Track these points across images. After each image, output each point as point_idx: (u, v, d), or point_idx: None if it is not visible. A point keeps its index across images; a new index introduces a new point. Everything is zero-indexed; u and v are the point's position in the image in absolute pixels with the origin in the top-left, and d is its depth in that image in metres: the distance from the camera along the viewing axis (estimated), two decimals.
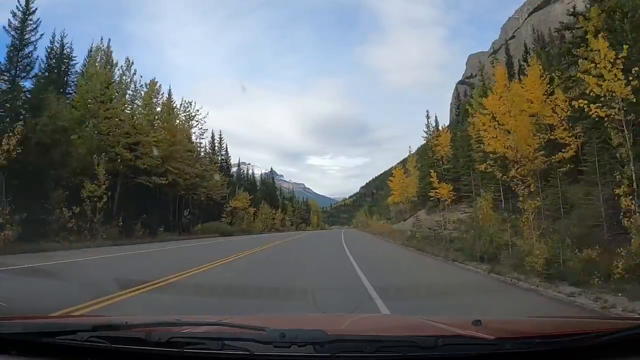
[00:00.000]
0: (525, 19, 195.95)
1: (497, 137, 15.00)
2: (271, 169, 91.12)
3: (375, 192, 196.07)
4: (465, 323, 1.67)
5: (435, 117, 55.66)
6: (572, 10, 19.11)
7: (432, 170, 34.67)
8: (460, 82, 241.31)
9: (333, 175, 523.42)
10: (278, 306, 5.89)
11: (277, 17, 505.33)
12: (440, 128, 51.53)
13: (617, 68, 8.93)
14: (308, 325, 1.83)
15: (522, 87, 18.15)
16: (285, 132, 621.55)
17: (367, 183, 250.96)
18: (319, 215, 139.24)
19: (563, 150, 15.99)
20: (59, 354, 1.50)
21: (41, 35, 22.85)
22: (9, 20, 21.66)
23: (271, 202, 72.00)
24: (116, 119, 26.21)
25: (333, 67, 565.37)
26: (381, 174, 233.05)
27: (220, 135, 59.54)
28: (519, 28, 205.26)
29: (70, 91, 29.03)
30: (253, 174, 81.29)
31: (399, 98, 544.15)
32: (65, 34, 30.81)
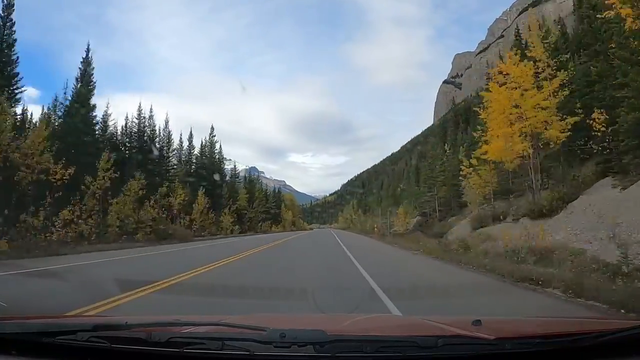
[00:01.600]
0: (515, 18, 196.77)
1: None
2: (211, 128, 51.01)
3: (366, 184, 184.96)
4: (465, 323, 1.65)
5: None
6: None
7: None
8: (446, 82, 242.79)
9: (314, 173, 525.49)
10: None
11: (260, 12, 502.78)
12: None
13: None
14: (308, 325, 1.82)
15: None
16: (266, 129, 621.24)
17: (349, 180, 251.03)
18: (294, 211, 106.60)
19: None
20: (59, 354, 1.48)
21: None
22: None
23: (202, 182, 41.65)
24: None
25: (317, 65, 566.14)
26: (363, 172, 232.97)
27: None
28: (508, 27, 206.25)
29: None
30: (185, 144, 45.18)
31: (381, 97, 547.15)
32: None
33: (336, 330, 1.50)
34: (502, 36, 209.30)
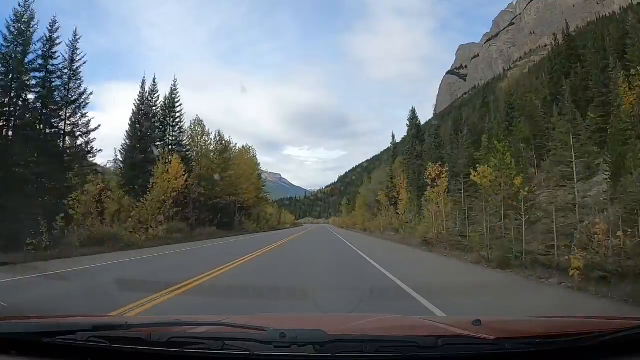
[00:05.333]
0: (526, 6, 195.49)
1: None
2: None
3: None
4: (465, 323, 1.69)
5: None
6: None
7: None
8: (450, 73, 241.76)
9: (310, 167, 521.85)
10: None
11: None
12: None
13: None
14: (308, 325, 1.85)
15: None
16: (262, 121, 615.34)
17: (346, 173, 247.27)
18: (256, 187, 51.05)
19: None
20: (59, 354, 1.51)
21: None
22: None
23: None
24: None
25: (315, 57, 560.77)
26: (359, 165, 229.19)
27: None
28: (519, 14, 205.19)
29: None
30: None
31: (380, 91, 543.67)
32: None
33: (336, 330, 1.53)
34: (512, 24, 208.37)
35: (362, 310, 5.09)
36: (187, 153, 34.23)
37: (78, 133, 21.00)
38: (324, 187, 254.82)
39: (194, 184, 29.77)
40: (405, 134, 50.74)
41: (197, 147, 36.44)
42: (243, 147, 50.72)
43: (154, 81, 33.00)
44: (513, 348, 1.38)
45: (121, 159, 31.22)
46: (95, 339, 1.48)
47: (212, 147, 38.17)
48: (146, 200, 23.72)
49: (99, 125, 21.46)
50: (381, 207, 42.73)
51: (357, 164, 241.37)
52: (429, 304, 5.94)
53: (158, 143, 31.24)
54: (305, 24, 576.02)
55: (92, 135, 21.32)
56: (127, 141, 30.61)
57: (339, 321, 2.27)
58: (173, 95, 34.06)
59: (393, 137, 55.94)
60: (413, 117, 50.07)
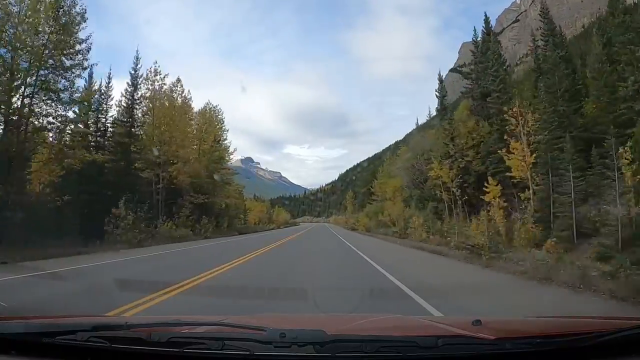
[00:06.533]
0: (531, 3, 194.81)
1: None
2: None
3: None
4: (465, 323, 1.70)
5: None
6: None
7: None
8: (453, 70, 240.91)
9: (311, 166, 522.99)
10: None
11: None
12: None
13: None
14: (308, 325, 1.86)
15: None
16: (263, 119, 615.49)
17: (346, 171, 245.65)
18: (209, 159, 34.85)
19: None
20: (59, 354, 1.53)
21: None
22: None
23: None
24: None
25: (315, 53, 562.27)
26: (359, 164, 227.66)
27: None
28: (525, 11, 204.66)
29: None
30: None
31: (381, 90, 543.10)
32: None
33: (336, 330, 1.55)
34: (517, 20, 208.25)
35: None
36: None
37: None
38: (324, 186, 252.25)
39: None
40: (471, 65, 34.44)
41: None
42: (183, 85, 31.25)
43: None
44: (513, 348, 1.40)
45: None
46: (95, 339, 1.50)
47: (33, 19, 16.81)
48: None
49: None
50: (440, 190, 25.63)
51: (357, 163, 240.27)
52: None
53: None
54: (306, 22, 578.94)
55: None
56: None
57: (339, 321, 2.29)
58: None
59: (440, 80, 36.29)
60: (487, 28, 32.55)
